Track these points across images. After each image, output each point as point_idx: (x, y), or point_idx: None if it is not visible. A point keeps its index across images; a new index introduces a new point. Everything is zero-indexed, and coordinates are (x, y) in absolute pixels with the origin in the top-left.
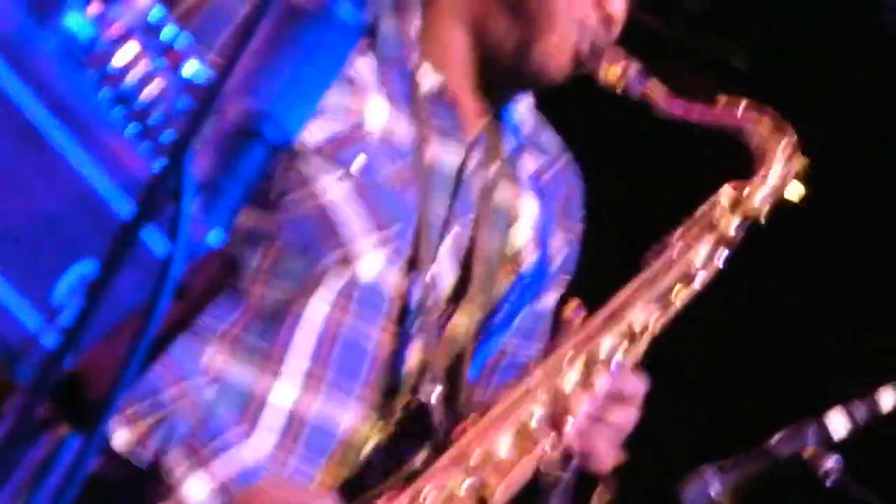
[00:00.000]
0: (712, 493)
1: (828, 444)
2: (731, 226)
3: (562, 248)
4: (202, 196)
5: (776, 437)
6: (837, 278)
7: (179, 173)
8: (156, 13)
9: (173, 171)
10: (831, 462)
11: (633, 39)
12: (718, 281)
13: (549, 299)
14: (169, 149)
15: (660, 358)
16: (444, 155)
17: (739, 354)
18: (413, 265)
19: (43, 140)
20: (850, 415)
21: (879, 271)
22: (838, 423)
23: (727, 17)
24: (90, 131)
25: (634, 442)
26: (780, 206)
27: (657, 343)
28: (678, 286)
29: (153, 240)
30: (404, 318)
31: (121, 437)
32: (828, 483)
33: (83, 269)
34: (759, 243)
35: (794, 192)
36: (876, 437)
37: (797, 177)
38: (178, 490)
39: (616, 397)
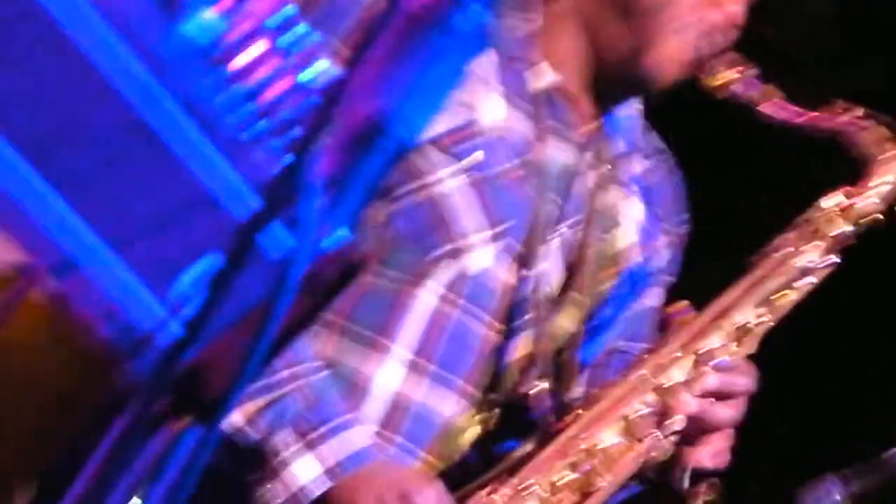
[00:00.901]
0: (833, 501)
1: None
2: (841, 229)
3: (665, 249)
4: (328, 194)
5: None
6: None
7: (305, 171)
8: (286, 10)
9: (299, 170)
10: None
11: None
12: (845, 288)
13: (653, 299)
14: (295, 147)
15: (782, 362)
16: (558, 154)
17: (863, 360)
18: (523, 262)
19: (171, 137)
20: None
21: None
22: None
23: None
24: (217, 129)
25: (755, 447)
26: None
27: (780, 346)
28: (785, 290)
29: (279, 237)
30: (511, 313)
31: (233, 416)
32: None
33: (207, 265)
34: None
35: None
36: None
37: None
38: (286, 471)
39: (723, 395)
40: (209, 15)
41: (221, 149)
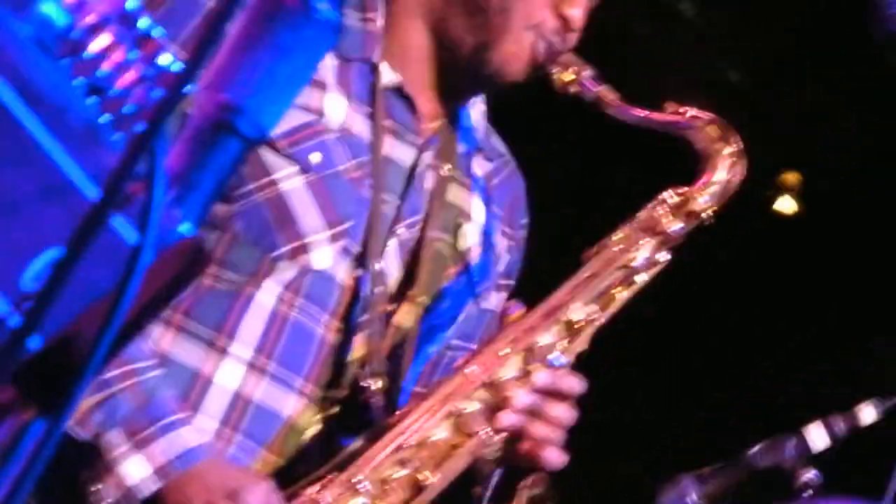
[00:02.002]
0: (689, 501)
1: (806, 456)
2: (673, 227)
3: (504, 252)
4: (175, 187)
5: (755, 448)
6: (824, 294)
7: (151, 163)
8: (131, 3)
9: (145, 161)
10: (810, 474)
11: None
12: (711, 289)
13: (493, 300)
14: (141, 139)
15: (639, 362)
16: (398, 153)
17: (722, 363)
18: (362, 260)
19: (15, 126)
20: (830, 428)
21: (866, 290)
22: (817, 436)
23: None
24: (63, 119)
25: (614, 447)
26: (773, 220)
27: (642, 347)
28: (618, 286)
29: (125, 228)
30: (351, 310)
31: None
32: (805, 495)
33: (52, 256)
34: (744, 255)
35: (788, 206)
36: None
37: (791, 192)
38: (116, 471)
39: (554, 393)
40: (56, 5)
41: (67, 139)
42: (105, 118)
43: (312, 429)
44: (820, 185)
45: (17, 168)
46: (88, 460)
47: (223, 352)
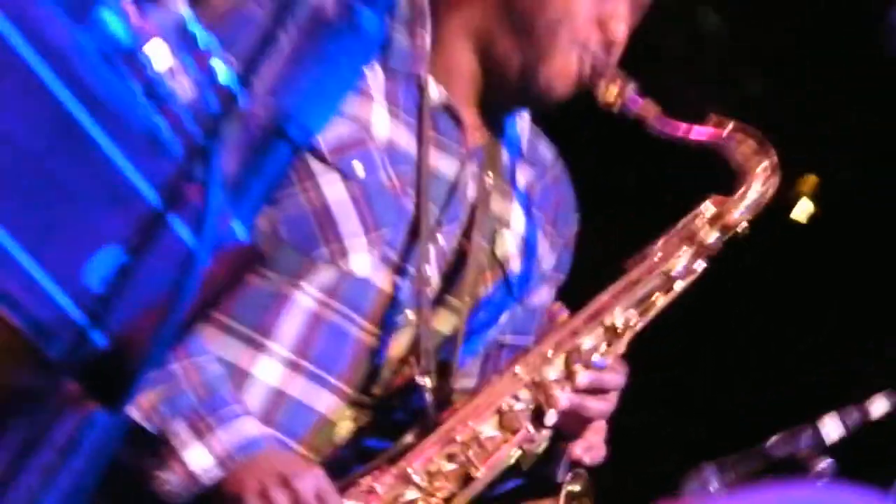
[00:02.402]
0: (711, 489)
1: (821, 447)
2: (710, 237)
3: (548, 254)
4: (229, 191)
5: (772, 439)
6: (837, 295)
7: (207, 169)
8: (187, 16)
9: (202, 167)
10: (824, 464)
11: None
12: (733, 292)
13: (542, 296)
14: (198, 146)
15: (669, 365)
16: (442, 165)
17: (744, 363)
18: (399, 267)
19: (78, 132)
20: (843, 421)
21: (877, 292)
22: (831, 427)
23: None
24: (125, 127)
25: (642, 440)
26: (789, 223)
27: (670, 352)
28: (657, 292)
29: (183, 232)
30: (388, 316)
31: (131, 409)
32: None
33: (111, 255)
34: (765, 256)
35: (803, 211)
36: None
37: (808, 196)
38: (179, 460)
39: (596, 391)
40: (116, 17)
41: (129, 146)
42: (162, 125)
43: (344, 427)
44: (835, 190)
45: (82, 173)
46: (151, 450)
47: (262, 349)
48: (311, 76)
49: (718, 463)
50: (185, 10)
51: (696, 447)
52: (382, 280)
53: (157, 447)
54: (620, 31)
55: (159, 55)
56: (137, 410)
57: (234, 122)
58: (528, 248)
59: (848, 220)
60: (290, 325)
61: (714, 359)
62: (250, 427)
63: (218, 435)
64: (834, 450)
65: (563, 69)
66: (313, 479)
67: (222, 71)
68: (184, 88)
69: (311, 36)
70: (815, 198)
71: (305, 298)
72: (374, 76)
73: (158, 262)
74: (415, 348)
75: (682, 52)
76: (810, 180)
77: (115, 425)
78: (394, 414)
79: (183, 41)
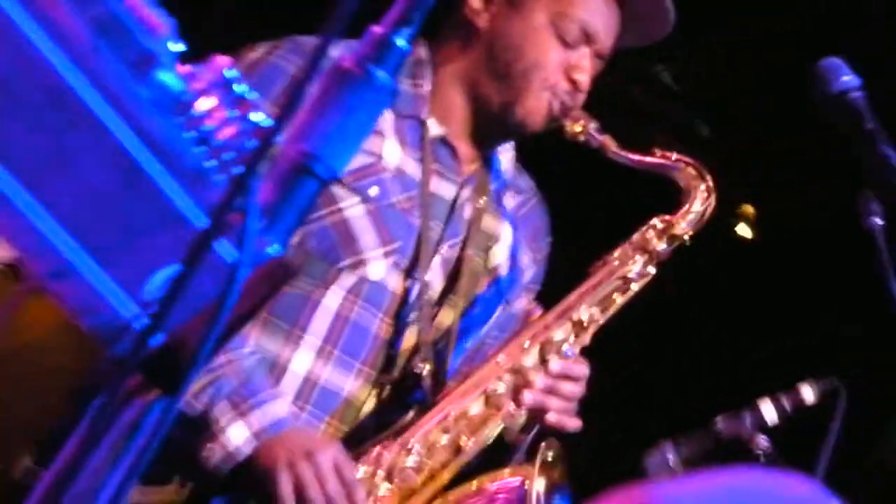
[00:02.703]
0: (670, 462)
1: (761, 426)
2: (659, 246)
3: (531, 264)
4: (265, 217)
5: (719, 419)
6: (772, 299)
7: (247, 198)
8: (230, 72)
9: (242, 196)
10: (763, 442)
11: (613, 104)
12: (687, 297)
13: (521, 304)
14: (239, 179)
15: (631, 353)
16: (442, 189)
17: (695, 351)
18: (411, 271)
19: (140, 170)
20: (778, 405)
21: (807, 294)
22: (768, 410)
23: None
24: (178, 164)
25: (609, 422)
26: (733, 242)
27: (634, 345)
28: (616, 293)
29: (227, 250)
30: (402, 310)
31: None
32: (760, 458)
33: (170, 270)
34: (710, 269)
35: (746, 231)
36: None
37: (748, 220)
38: (223, 435)
39: (566, 377)
40: (171, 75)
41: (181, 180)
42: (210, 163)
43: (369, 404)
44: (770, 215)
45: (141, 203)
46: (196, 430)
47: (298, 341)
48: (335, 122)
49: (674, 440)
50: (227, 69)
51: (656, 425)
52: (395, 284)
53: (202, 427)
54: (584, 79)
55: (206, 105)
56: (188, 394)
57: (269, 160)
58: (514, 259)
59: (781, 239)
60: (321, 321)
61: (673, 351)
62: (280, 408)
63: (254, 415)
64: (770, 429)
65: (534, 108)
66: (332, 452)
67: (259, 117)
68: (227, 132)
69: (335, 89)
70: (750, 222)
71: (332, 299)
72: (384, 118)
73: (206, 274)
74: (421, 339)
75: (643, 103)
76: (748, 209)
77: (171, 410)
78: (407, 393)
79: (226, 92)
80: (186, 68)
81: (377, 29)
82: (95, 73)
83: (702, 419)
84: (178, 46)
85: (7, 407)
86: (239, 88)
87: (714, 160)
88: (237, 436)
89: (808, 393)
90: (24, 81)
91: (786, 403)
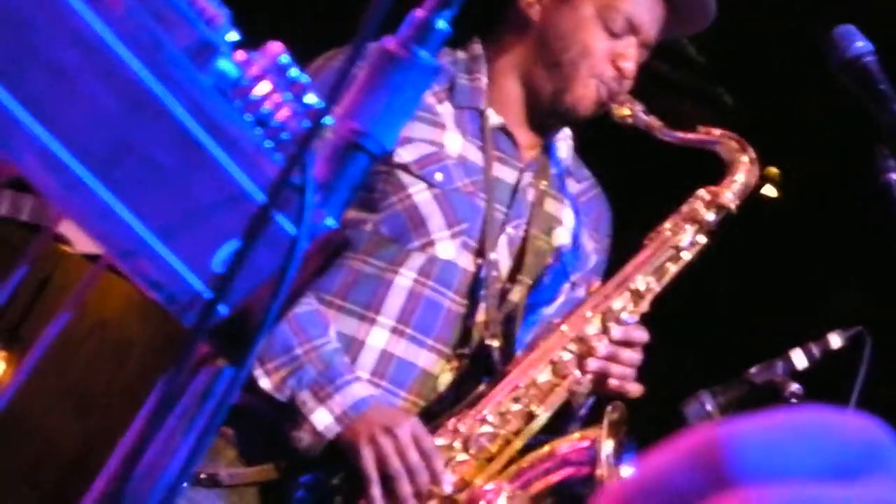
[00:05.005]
0: (708, 409)
1: (792, 373)
2: (708, 216)
3: (593, 254)
4: (321, 192)
5: (753, 369)
6: (800, 258)
7: (303, 175)
8: (284, 58)
9: (299, 173)
10: (794, 387)
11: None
12: (723, 257)
13: (582, 291)
14: (295, 157)
15: (673, 317)
16: (504, 174)
17: (734, 309)
18: (480, 252)
19: (203, 151)
20: (808, 352)
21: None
22: (799, 358)
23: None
24: (238, 145)
25: (650, 375)
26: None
27: (671, 306)
28: (669, 262)
29: (286, 224)
30: (472, 290)
31: (265, 383)
32: (792, 403)
33: (232, 245)
34: (745, 230)
35: (771, 191)
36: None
37: (773, 181)
38: (308, 421)
39: (626, 343)
40: (230, 62)
41: (241, 159)
42: (268, 143)
43: (445, 377)
44: (793, 178)
45: (205, 183)
46: (287, 416)
47: (372, 322)
48: (382, 101)
49: (711, 389)
50: (281, 55)
51: (696, 377)
52: (464, 262)
53: (289, 413)
54: (629, 67)
55: (262, 89)
56: (271, 385)
57: (322, 139)
58: (576, 242)
59: (805, 202)
60: (394, 300)
61: (710, 310)
62: (359, 390)
63: (335, 399)
64: (801, 375)
65: (583, 95)
66: (410, 426)
67: (312, 99)
68: (282, 114)
69: (381, 70)
70: (776, 184)
71: (404, 280)
72: (445, 111)
73: (267, 248)
74: (491, 316)
75: (670, 75)
76: (772, 171)
77: (238, 377)
78: (475, 368)
79: (281, 77)
80: (243, 55)
81: (419, 12)
82: (160, 64)
83: (736, 368)
84: (234, 35)
85: (89, 376)
86: (293, 73)
87: (739, 128)
88: (321, 419)
89: (835, 340)
90: (92, 74)
91: (814, 350)
